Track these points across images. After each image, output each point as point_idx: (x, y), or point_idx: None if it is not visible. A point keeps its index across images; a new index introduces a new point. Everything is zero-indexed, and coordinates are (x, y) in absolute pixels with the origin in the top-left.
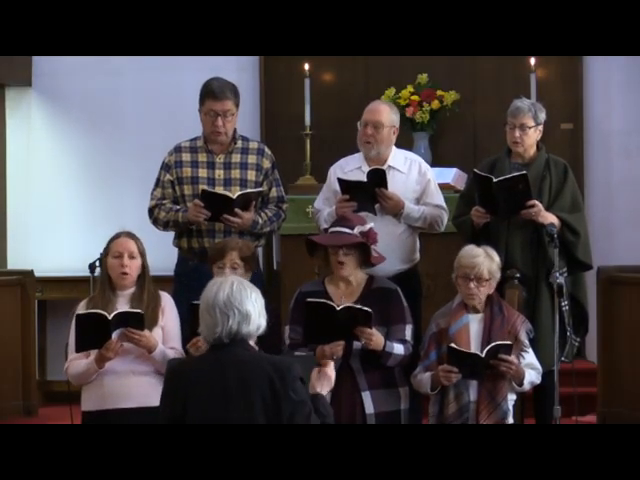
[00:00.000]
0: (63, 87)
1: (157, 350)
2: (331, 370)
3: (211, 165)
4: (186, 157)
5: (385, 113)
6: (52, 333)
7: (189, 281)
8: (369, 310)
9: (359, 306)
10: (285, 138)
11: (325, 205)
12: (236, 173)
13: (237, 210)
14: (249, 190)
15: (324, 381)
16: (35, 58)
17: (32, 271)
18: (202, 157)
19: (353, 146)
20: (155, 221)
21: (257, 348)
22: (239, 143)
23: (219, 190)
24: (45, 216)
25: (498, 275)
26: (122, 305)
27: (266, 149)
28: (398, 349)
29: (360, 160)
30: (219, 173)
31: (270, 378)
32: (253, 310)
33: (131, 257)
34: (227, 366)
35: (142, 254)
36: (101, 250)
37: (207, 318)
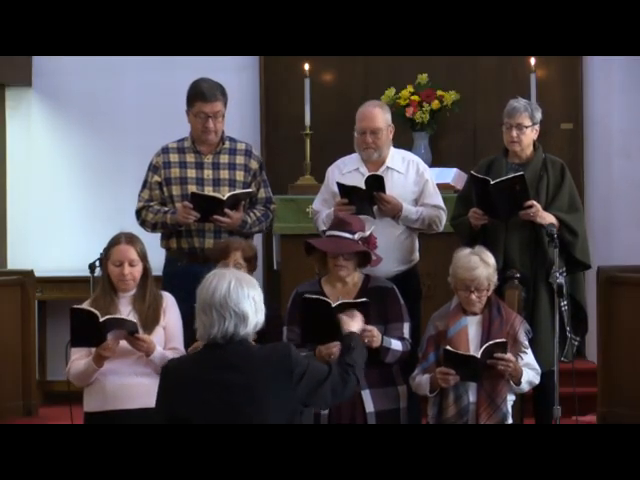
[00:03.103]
0: (63, 87)
1: (156, 353)
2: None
3: (199, 165)
4: (174, 158)
5: (380, 116)
6: (52, 333)
7: (178, 282)
8: (366, 300)
9: (356, 300)
10: (285, 138)
11: (323, 206)
12: (225, 173)
13: (227, 210)
14: (239, 191)
15: (356, 319)
16: (35, 58)
17: (32, 271)
18: (190, 157)
19: (353, 146)
20: (143, 223)
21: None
22: (227, 144)
23: (208, 191)
24: (45, 216)
25: (495, 278)
26: (124, 306)
27: (254, 150)
28: (396, 344)
29: (358, 161)
30: (207, 173)
31: (277, 371)
32: (250, 310)
33: (131, 265)
34: (228, 365)
35: (143, 258)
36: (101, 250)
37: (203, 317)
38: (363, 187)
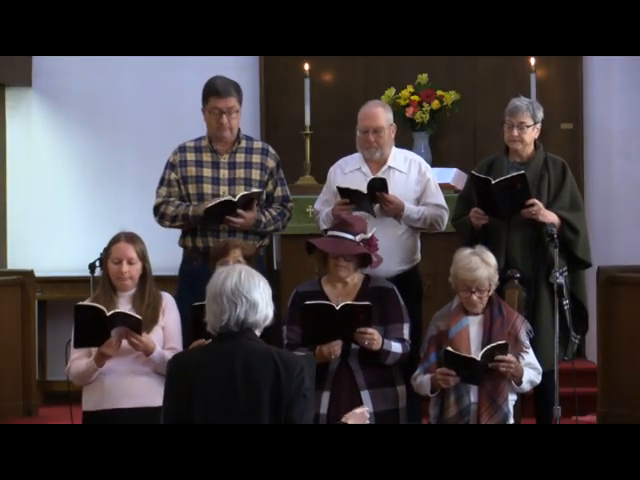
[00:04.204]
0: (63, 87)
1: (155, 352)
2: (365, 413)
3: (215, 165)
4: (190, 156)
5: (382, 116)
6: (52, 333)
7: (193, 281)
8: (369, 304)
9: (359, 302)
10: (285, 138)
11: (325, 207)
12: (240, 172)
13: (239, 210)
14: (251, 190)
15: (357, 418)
16: (35, 58)
17: (32, 271)
18: (207, 157)
19: (353, 146)
20: (162, 216)
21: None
22: (243, 143)
23: (224, 191)
24: (45, 216)
25: (496, 278)
26: (123, 305)
27: (270, 149)
28: (396, 347)
29: (360, 160)
30: (223, 173)
31: (277, 370)
32: (261, 299)
33: (130, 263)
34: (234, 356)
35: (142, 257)
36: (101, 250)
37: (214, 306)
38: (364, 191)
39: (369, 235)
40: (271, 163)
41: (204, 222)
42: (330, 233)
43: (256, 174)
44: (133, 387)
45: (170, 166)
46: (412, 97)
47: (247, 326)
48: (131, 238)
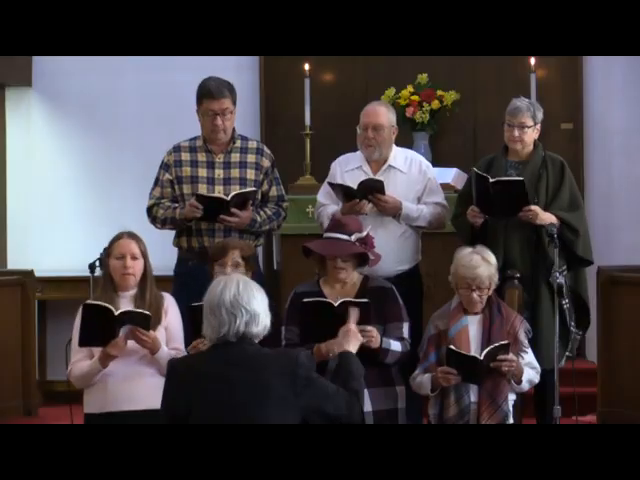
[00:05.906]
0: (63, 87)
1: (161, 351)
2: (354, 327)
3: (210, 165)
4: (185, 156)
5: (384, 114)
6: (52, 333)
7: (188, 281)
8: (367, 301)
9: (357, 299)
10: (285, 138)
11: (327, 199)
12: (235, 172)
13: (234, 209)
14: (243, 190)
15: (351, 338)
16: (35, 58)
17: (32, 271)
18: (201, 157)
19: (353, 146)
20: (154, 219)
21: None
22: (238, 142)
23: (219, 191)
24: (45, 216)
25: (496, 277)
26: (125, 306)
27: (265, 148)
28: (395, 346)
29: (361, 159)
30: (219, 173)
31: (282, 372)
32: (260, 309)
33: (133, 258)
34: (233, 362)
35: (144, 255)
36: (101, 250)
37: (212, 319)
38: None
39: (364, 234)
40: (266, 163)
41: (204, 215)
42: (325, 235)
43: (251, 174)
44: (138, 389)
45: (164, 166)
46: (412, 97)
47: (248, 338)
48: (133, 235)
